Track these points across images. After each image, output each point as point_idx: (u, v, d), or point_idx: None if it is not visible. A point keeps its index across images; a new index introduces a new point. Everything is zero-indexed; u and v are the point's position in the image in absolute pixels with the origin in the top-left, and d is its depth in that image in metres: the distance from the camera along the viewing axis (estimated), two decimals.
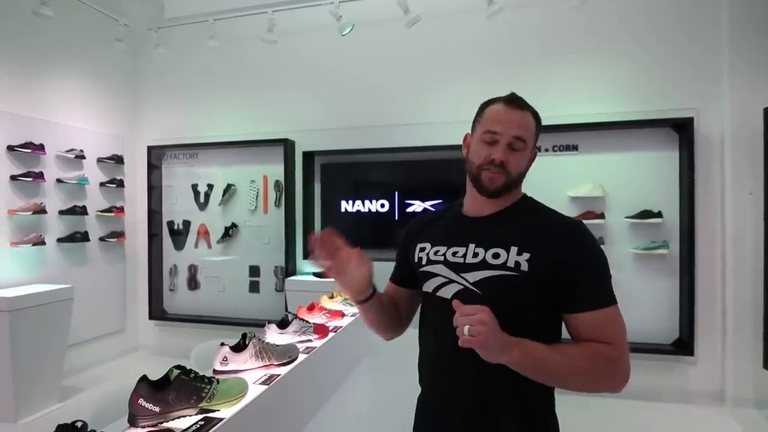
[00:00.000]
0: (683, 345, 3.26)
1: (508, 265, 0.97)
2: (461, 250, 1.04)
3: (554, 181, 3.55)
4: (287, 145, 4.09)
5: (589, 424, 2.91)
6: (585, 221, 3.46)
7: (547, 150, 3.64)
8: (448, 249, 1.06)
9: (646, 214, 3.36)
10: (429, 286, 1.07)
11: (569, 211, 3.49)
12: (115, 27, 3.94)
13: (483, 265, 0.99)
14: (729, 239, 3.21)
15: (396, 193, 3.96)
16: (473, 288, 0.98)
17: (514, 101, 1.04)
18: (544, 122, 3.63)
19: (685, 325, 3.27)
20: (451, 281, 1.03)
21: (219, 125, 4.37)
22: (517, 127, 1.01)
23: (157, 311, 4.51)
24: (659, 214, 3.33)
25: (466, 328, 0.84)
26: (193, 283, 4.50)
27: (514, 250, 0.98)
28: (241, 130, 4.29)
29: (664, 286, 3.38)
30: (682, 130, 3.30)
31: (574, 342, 0.96)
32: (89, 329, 4.01)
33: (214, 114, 4.41)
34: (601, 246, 3.33)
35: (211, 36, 3.81)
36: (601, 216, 3.44)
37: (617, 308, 0.95)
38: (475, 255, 1.01)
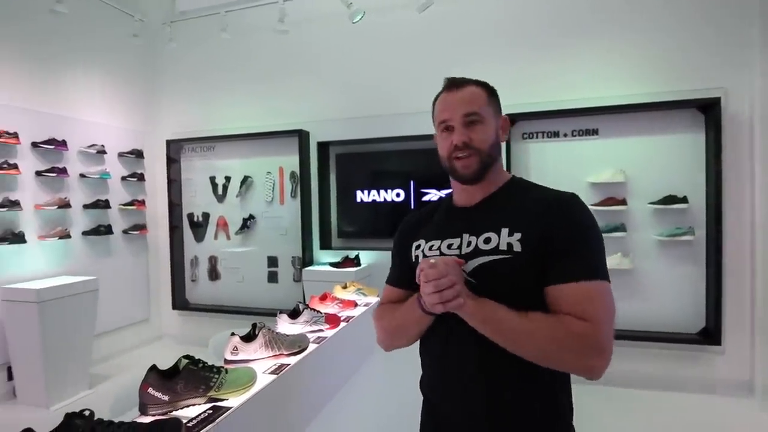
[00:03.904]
0: (710, 334, 3.16)
1: (500, 248, 0.93)
2: (456, 242, 1.01)
3: (573, 167, 3.47)
4: (302, 136, 4.10)
5: (612, 414, 2.86)
6: (606, 208, 3.38)
7: (566, 135, 3.54)
8: (442, 242, 1.03)
9: (670, 199, 3.24)
10: None
11: (589, 197, 3.41)
12: (131, 23, 3.99)
13: (476, 252, 0.96)
14: (759, 224, 3.07)
15: (411, 182, 3.93)
16: (469, 278, 0.94)
17: (452, 84, 1.04)
18: (562, 106, 3.53)
19: (711, 313, 3.16)
20: None
21: (234, 117, 4.41)
22: (463, 104, 1.00)
23: (180, 301, 4.62)
24: (684, 200, 3.21)
25: (432, 259, 0.90)
26: (213, 274, 4.59)
27: (504, 231, 0.94)
28: (257, 121, 4.31)
29: (689, 274, 3.26)
30: (709, 111, 3.15)
31: (545, 312, 0.90)
32: (115, 319, 4.14)
33: (229, 106, 4.45)
34: (623, 233, 3.18)
35: (224, 28, 3.82)
36: (623, 202, 3.34)
37: (604, 285, 0.90)
38: (469, 244, 0.98)
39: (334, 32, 4.00)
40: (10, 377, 3.22)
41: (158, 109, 4.70)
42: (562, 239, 0.91)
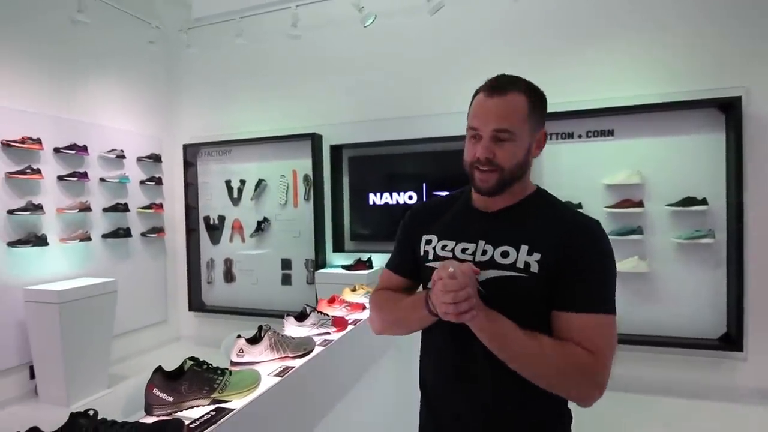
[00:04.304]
0: (731, 340, 3.06)
1: (517, 265, 0.92)
2: (471, 247, 0.98)
3: (588, 169, 3.43)
4: (315, 139, 4.13)
5: (629, 421, 2.80)
6: (622, 210, 3.33)
7: (580, 136, 3.49)
8: (456, 244, 1.00)
9: (689, 201, 3.17)
10: None
11: (605, 199, 3.35)
12: (149, 30, 4.09)
13: (491, 263, 0.94)
14: None
15: (424, 184, 3.92)
16: (480, 289, 0.91)
17: (496, 87, 0.94)
18: (577, 107, 3.46)
19: (733, 318, 3.06)
20: None
21: (249, 122, 4.47)
22: (497, 118, 0.92)
23: (197, 303, 4.70)
24: (704, 201, 3.13)
25: (452, 268, 0.86)
26: (228, 276, 4.65)
27: (524, 249, 0.92)
28: (270, 125, 4.37)
29: (709, 277, 3.18)
30: (729, 110, 3.07)
31: (554, 338, 0.90)
32: (133, 320, 4.23)
33: (244, 111, 4.51)
34: (640, 235, 3.15)
35: (238, 34, 3.88)
36: (640, 204, 3.27)
37: (612, 319, 0.89)
38: (484, 253, 0.96)
39: (345, 36, 4.03)
40: (33, 376, 3.32)
41: (175, 114, 4.80)
42: (581, 268, 0.90)
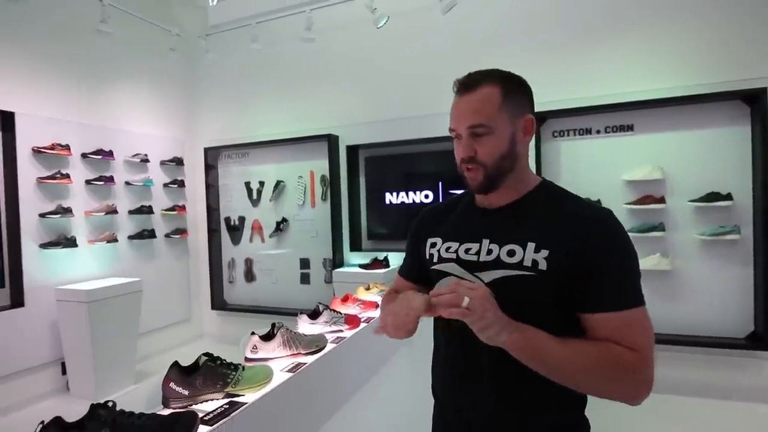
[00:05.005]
0: (759, 338, 2.96)
1: (524, 264, 0.88)
2: (474, 247, 0.96)
3: (608, 165, 3.37)
4: (331, 140, 4.18)
5: (653, 422, 2.74)
6: (643, 207, 3.26)
7: (599, 131, 3.43)
8: (460, 245, 0.99)
9: (713, 196, 3.07)
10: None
11: (625, 196, 3.29)
12: (169, 37, 4.20)
13: (497, 263, 0.91)
14: None
15: (440, 183, 3.92)
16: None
17: (463, 85, 0.95)
18: (594, 102, 3.41)
19: (760, 316, 2.96)
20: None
21: (267, 124, 4.55)
22: (470, 115, 0.92)
23: (219, 302, 4.81)
24: (729, 196, 3.04)
25: (466, 300, 0.81)
26: (249, 276, 4.75)
27: (531, 246, 0.89)
28: (288, 127, 4.44)
29: (735, 275, 3.08)
30: (754, 102, 2.97)
31: (591, 340, 0.87)
32: (158, 319, 4.36)
33: (261, 113, 4.60)
34: (662, 232, 3.07)
35: (254, 39, 3.95)
36: (662, 200, 3.20)
37: (644, 311, 0.86)
38: (489, 252, 0.93)
39: (359, 37, 4.06)
40: (64, 372, 3.47)
41: (196, 118, 4.93)
42: (600, 264, 0.85)
